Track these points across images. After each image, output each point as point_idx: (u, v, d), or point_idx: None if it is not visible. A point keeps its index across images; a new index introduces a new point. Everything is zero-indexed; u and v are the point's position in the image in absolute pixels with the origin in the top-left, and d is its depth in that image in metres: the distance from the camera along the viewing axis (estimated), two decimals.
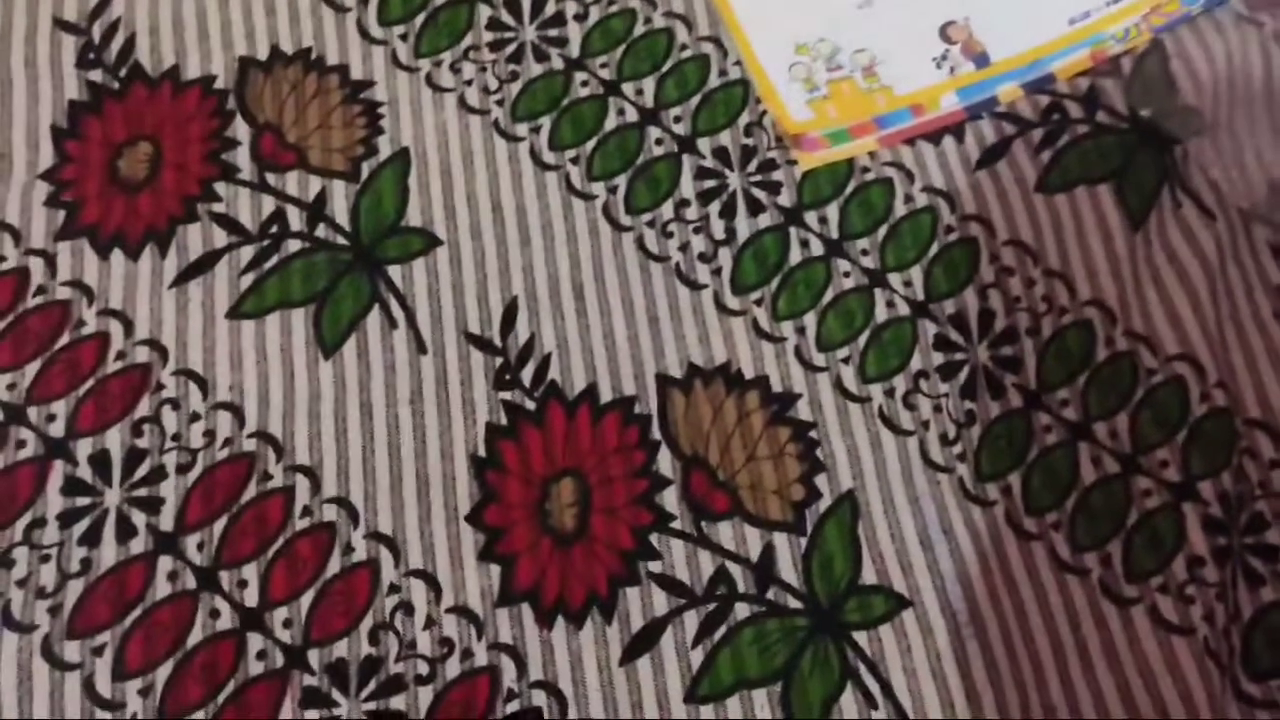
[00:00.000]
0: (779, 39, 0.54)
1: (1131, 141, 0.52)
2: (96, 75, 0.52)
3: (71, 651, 0.41)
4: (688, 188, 0.51)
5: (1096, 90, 0.53)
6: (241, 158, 0.50)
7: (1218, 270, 0.49)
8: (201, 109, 0.51)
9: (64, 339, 0.46)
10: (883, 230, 0.51)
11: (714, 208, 0.51)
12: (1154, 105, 0.52)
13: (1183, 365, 0.48)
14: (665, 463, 0.46)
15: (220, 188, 0.50)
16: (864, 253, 0.50)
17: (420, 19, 0.54)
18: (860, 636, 0.44)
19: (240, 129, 0.51)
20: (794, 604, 0.44)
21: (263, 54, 0.53)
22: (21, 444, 0.44)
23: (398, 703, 0.42)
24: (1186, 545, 0.45)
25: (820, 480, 0.46)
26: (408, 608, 0.43)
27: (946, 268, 0.50)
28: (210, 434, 0.45)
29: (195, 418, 0.45)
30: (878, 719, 0.42)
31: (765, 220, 0.51)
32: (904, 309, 0.49)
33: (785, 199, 0.51)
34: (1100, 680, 0.43)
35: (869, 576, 0.45)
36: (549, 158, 0.52)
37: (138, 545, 0.43)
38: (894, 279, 0.50)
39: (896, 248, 0.50)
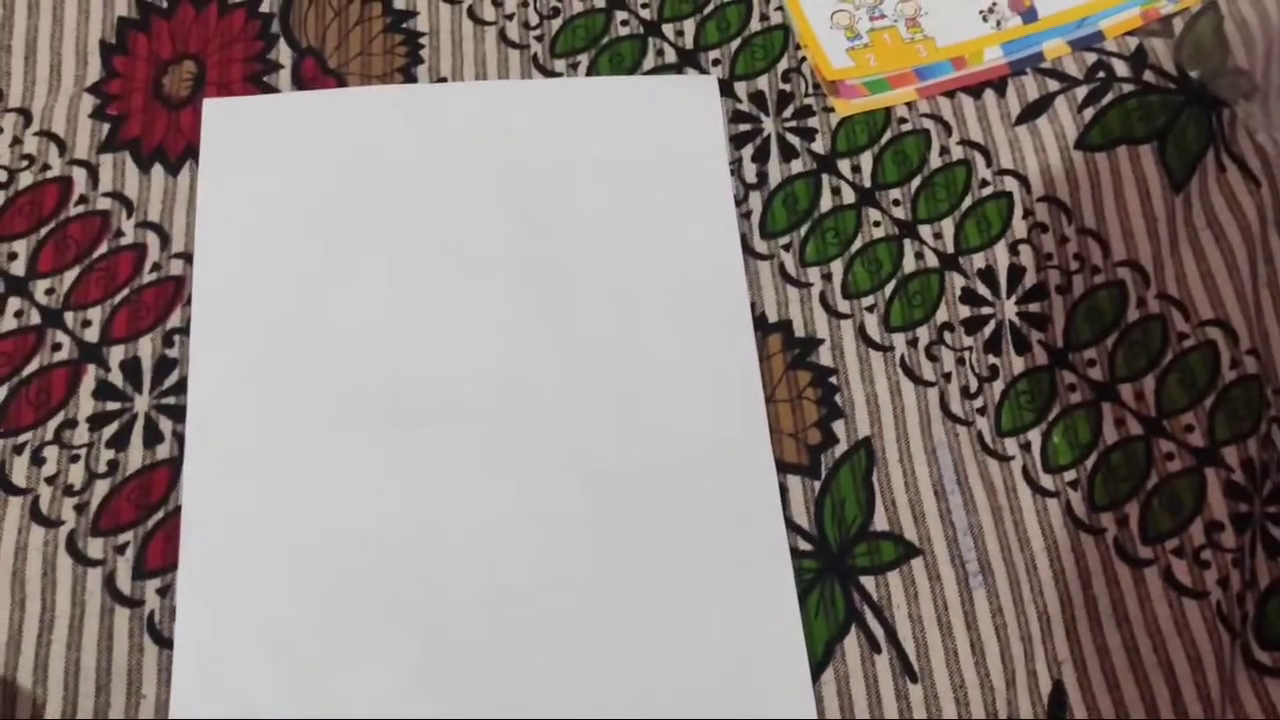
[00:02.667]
0: None
1: (1178, 102, 0.51)
2: None
3: (95, 548, 0.43)
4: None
5: (1145, 49, 0.52)
6: (283, 81, 0.51)
7: (1258, 237, 0.48)
8: (246, 31, 0.52)
9: (102, 248, 0.47)
10: (916, 181, 0.50)
11: (747, 151, 0.51)
12: (1204, 66, 0.51)
13: (1215, 330, 0.47)
14: None
15: None
16: (895, 203, 0.50)
17: None
18: (868, 581, 0.44)
19: (284, 52, 0.52)
20: (804, 546, 0.44)
21: None
22: (58, 347, 0.45)
23: None
24: (1206, 510, 0.45)
25: (838, 426, 0.46)
26: None
27: (978, 222, 0.50)
28: None
29: None
30: (880, 663, 0.42)
31: (798, 166, 0.51)
32: (933, 260, 0.49)
33: (819, 146, 0.51)
34: (1107, 638, 0.43)
35: (880, 523, 0.45)
36: None
37: (163, 451, 0.44)
38: (924, 230, 0.50)
39: (929, 199, 0.50)
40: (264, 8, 0.52)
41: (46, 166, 0.48)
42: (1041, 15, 0.53)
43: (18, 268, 0.47)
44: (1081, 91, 0.52)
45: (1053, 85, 0.52)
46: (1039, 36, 0.52)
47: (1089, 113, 0.51)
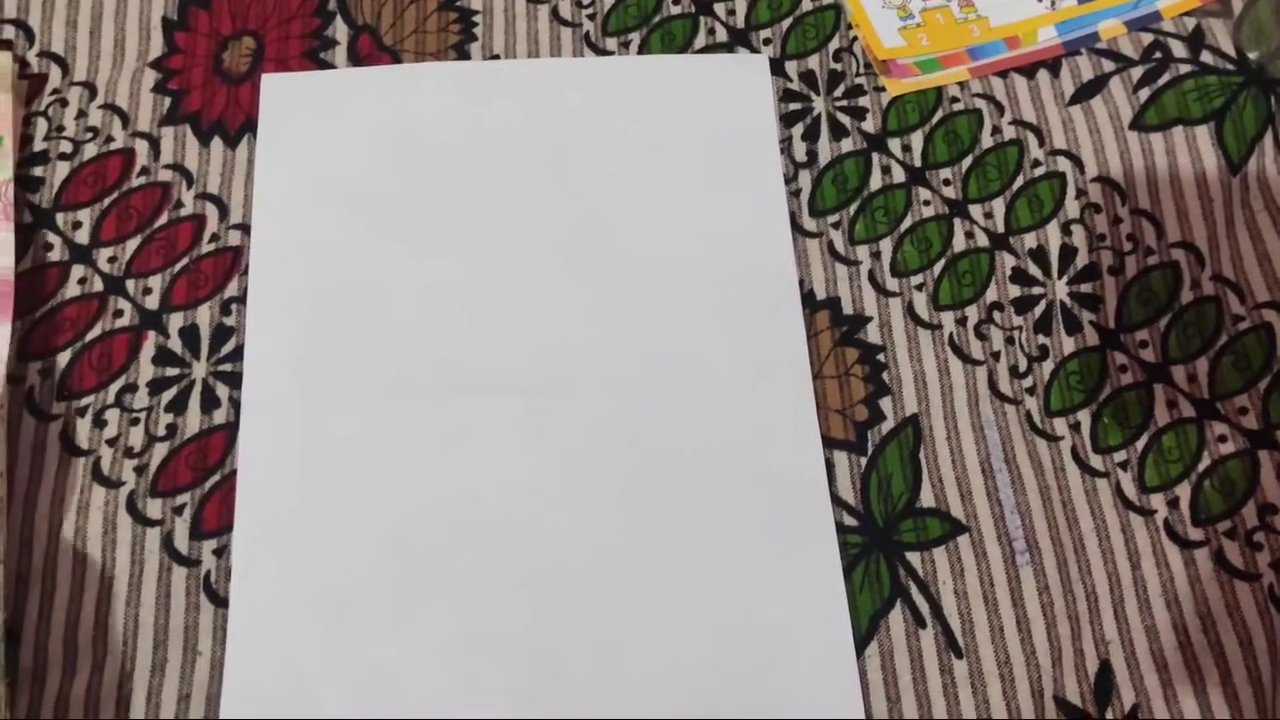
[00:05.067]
0: None
1: (1235, 83, 0.50)
2: None
3: (154, 509, 0.44)
4: None
5: (1203, 30, 0.52)
6: (339, 57, 0.52)
7: None
8: (304, 8, 0.53)
9: (163, 218, 0.48)
10: (967, 161, 0.50)
11: (797, 130, 0.51)
12: (1263, 47, 0.51)
13: (1271, 313, 0.47)
14: None
15: None
16: (946, 182, 0.50)
17: None
18: (913, 556, 0.44)
19: (340, 29, 0.52)
20: (850, 521, 0.44)
21: None
22: (119, 314, 0.47)
23: None
24: (1259, 492, 0.44)
25: (885, 403, 0.46)
26: None
27: (1030, 201, 0.49)
28: None
29: None
30: (925, 638, 0.42)
31: (848, 145, 0.51)
32: (983, 240, 0.49)
33: (870, 125, 0.51)
34: (1156, 618, 0.42)
35: (926, 500, 0.45)
36: None
37: (220, 416, 0.45)
38: (975, 210, 0.49)
39: (980, 179, 0.50)
40: None
41: (110, 139, 0.50)
42: None
43: (82, 236, 0.48)
44: (1137, 72, 0.51)
45: (1108, 65, 0.51)
46: (1094, 16, 0.52)
47: (1144, 93, 0.51)
